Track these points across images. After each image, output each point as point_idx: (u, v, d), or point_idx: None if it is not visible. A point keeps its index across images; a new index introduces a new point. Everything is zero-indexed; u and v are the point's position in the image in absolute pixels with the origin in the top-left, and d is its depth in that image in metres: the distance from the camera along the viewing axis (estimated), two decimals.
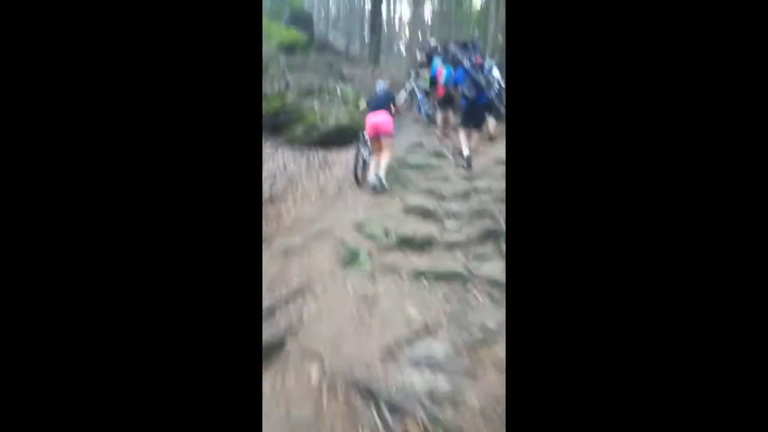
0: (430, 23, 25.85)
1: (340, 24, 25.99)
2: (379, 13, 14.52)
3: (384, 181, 4.55)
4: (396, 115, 5.27)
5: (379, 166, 4.67)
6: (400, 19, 28.45)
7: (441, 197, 4.19)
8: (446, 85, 6.29)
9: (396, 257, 3.12)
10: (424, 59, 8.16)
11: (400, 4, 26.18)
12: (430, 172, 5.13)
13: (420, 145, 6.15)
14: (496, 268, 2.85)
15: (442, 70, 6.70)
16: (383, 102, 5.05)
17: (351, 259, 3.10)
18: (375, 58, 13.46)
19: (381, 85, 5.44)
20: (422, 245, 3.25)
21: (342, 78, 9.40)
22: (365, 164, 5.06)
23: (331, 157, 6.23)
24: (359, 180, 4.97)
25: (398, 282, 2.80)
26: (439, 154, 5.71)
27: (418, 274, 2.85)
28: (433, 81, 7.11)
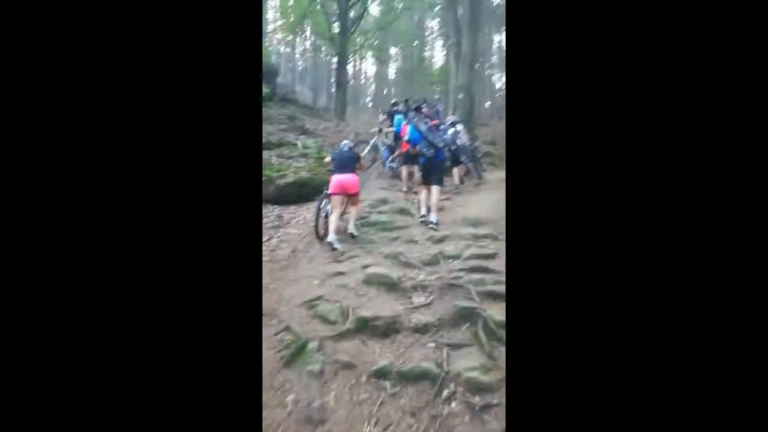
0: (393, 79, 26.73)
1: (306, 78, 26.39)
2: (345, 69, 14.65)
3: (355, 231, 4.53)
4: (360, 171, 5.20)
5: (348, 221, 4.64)
6: (365, 74, 29.30)
7: (407, 264, 3.68)
8: (409, 141, 6.20)
9: (353, 348, 2.54)
10: (386, 117, 8.19)
11: (365, 61, 27.05)
12: (395, 232, 4.67)
13: (384, 201, 5.71)
14: (474, 361, 2.32)
15: (406, 127, 6.59)
16: (348, 161, 4.87)
17: (296, 352, 2.49)
18: (341, 112, 13.38)
19: (346, 144, 5.22)
20: (385, 331, 2.69)
21: (304, 131, 9.04)
22: (326, 217, 4.76)
23: (287, 215, 5.68)
24: (320, 235, 4.62)
25: (354, 388, 2.21)
26: (404, 212, 5.27)
27: (379, 375, 2.27)
28: (398, 137, 7.05)
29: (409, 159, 6.55)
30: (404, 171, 6.67)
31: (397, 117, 7.68)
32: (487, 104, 9.63)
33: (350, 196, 4.72)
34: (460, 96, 9.52)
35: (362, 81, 29.13)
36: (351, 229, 4.61)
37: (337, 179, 4.72)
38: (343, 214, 4.66)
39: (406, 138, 6.58)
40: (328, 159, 5.36)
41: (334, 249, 4.25)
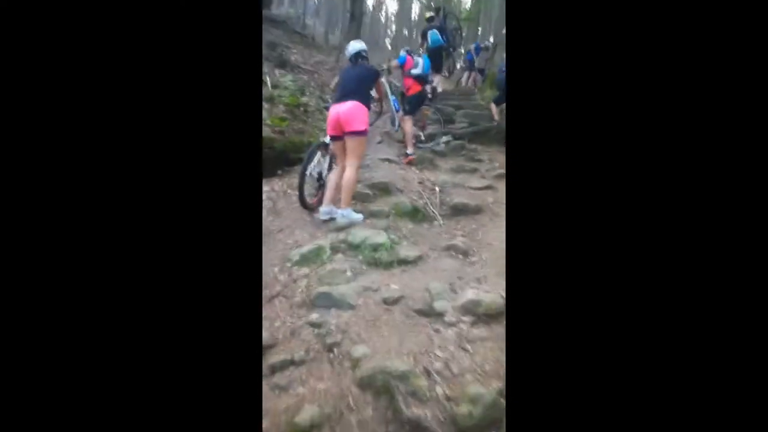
0: (416, 19, 23.70)
1: (321, 12, 23.44)
2: (361, 1, 12.32)
3: (354, 216, 3.05)
4: (377, 100, 3.95)
5: (339, 196, 3.08)
6: (386, 11, 26.06)
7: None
8: (419, 77, 5.04)
9: None
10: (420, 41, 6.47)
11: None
12: (398, 269, 3.05)
13: (383, 189, 4.01)
14: None
15: (414, 59, 5.14)
16: (356, 80, 3.17)
17: None
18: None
19: (356, 49, 3.38)
20: None
21: (283, 64, 6.65)
22: (321, 179, 3.32)
23: None
24: (308, 204, 3.22)
25: None
26: (417, 216, 3.60)
27: None
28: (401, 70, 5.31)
29: (416, 106, 5.06)
30: (407, 124, 4.95)
31: (432, 34, 5.99)
32: None
33: (350, 139, 3.02)
34: (504, 31, 7.58)
35: (383, 20, 25.98)
36: (341, 213, 3.02)
37: (333, 111, 3.09)
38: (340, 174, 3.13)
39: (416, 71, 5.00)
40: (335, 81, 3.74)
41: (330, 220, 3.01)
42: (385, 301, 2.12)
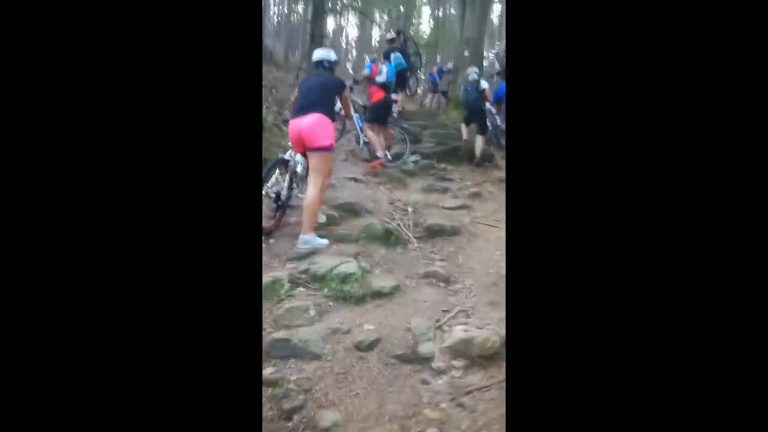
0: (377, 46, 24.03)
1: (281, 34, 23.24)
2: (323, 22, 12.19)
3: (318, 242, 2.63)
4: (344, 117, 3.78)
5: (305, 222, 2.63)
6: (347, 36, 26.29)
7: None
8: (383, 85, 4.84)
9: None
10: (377, 63, 6.17)
11: (347, 24, 24.12)
12: (371, 304, 2.65)
13: (350, 210, 3.62)
14: None
15: (377, 67, 4.96)
16: (319, 90, 2.79)
17: None
18: (311, 68, 10.98)
19: (319, 54, 3.04)
20: None
21: None
22: (279, 200, 2.87)
23: None
24: (263, 229, 2.72)
25: None
26: (389, 239, 3.23)
27: None
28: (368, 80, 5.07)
29: (381, 113, 4.85)
30: (369, 133, 4.79)
31: (394, 56, 5.81)
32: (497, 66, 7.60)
33: (314, 156, 2.66)
34: (466, 53, 7.51)
35: (343, 44, 26.15)
36: (307, 240, 2.60)
37: (294, 126, 2.71)
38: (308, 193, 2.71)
39: (380, 79, 4.80)
40: (295, 95, 3.31)
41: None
42: (359, 347, 1.71)
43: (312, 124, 2.64)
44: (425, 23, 22.48)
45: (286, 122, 4.58)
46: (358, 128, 5.19)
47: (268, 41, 17.19)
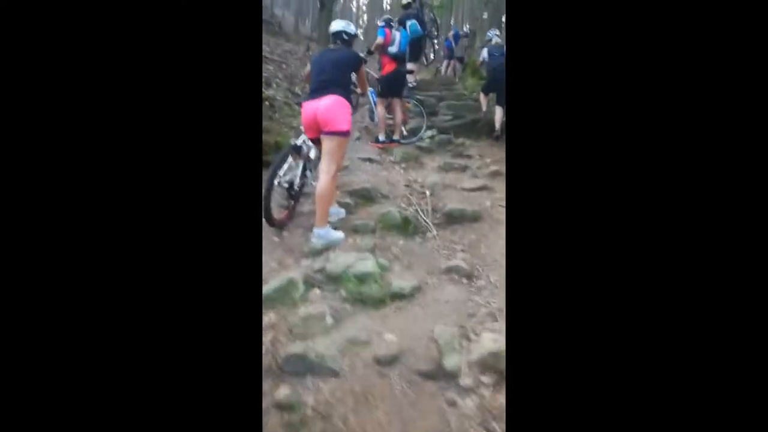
0: (389, 9, 22.92)
1: (291, 1, 22.35)
2: None
3: (333, 236, 2.46)
4: (360, 93, 3.35)
5: (319, 214, 2.45)
6: (358, 1, 25.20)
7: None
8: (395, 55, 4.47)
9: None
10: (393, 27, 5.83)
11: None
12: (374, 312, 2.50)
13: (364, 195, 3.44)
14: None
15: (392, 33, 4.57)
16: (335, 67, 2.58)
17: None
18: (323, 39, 10.57)
19: (338, 25, 2.82)
20: None
21: None
22: (293, 189, 2.69)
23: None
24: (275, 221, 2.54)
25: None
26: (408, 229, 3.05)
27: None
28: (380, 48, 4.63)
29: (394, 85, 4.52)
30: (380, 108, 4.54)
31: (410, 23, 5.39)
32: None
33: (328, 139, 2.46)
34: (485, 16, 7.07)
35: (354, 9, 25.09)
36: (320, 234, 2.44)
37: (309, 108, 2.50)
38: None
39: (392, 50, 4.49)
40: (306, 70, 3.16)
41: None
42: (379, 361, 1.58)
43: (330, 106, 2.43)
44: None
45: (296, 100, 4.33)
46: (372, 103, 4.93)
47: (277, 11, 16.57)
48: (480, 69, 6.41)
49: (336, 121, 2.42)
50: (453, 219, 3.02)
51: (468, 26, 9.31)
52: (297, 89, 5.36)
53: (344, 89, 2.52)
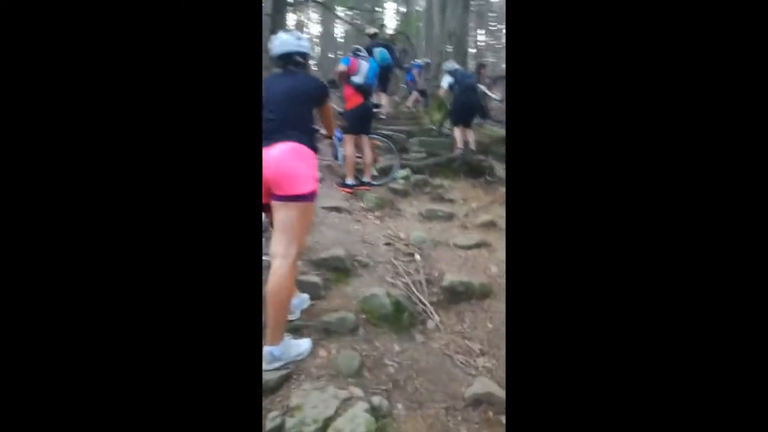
0: (342, 41, 22.71)
1: None
2: (283, 15, 10.94)
3: (295, 350, 1.58)
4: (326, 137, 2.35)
5: (271, 325, 1.54)
6: (309, 33, 24.83)
7: None
8: (361, 87, 3.72)
9: None
10: (359, 56, 5.21)
11: (309, 21, 22.67)
12: None
13: (336, 263, 2.57)
14: None
15: (358, 62, 3.79)
16: (293, 104, 1.71)
17: None
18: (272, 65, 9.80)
19: (286, 43, 1.83)
20: None
21: None
22: None
23: None
24: None
25: None
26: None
27: None
28: (344, 78, 3.86)
29: (360, 121, 3.79)
30: (347, 147, 3.76)
31: (379, 50, 4.88)
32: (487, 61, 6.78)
33: (277, 209, 1.57)
34: (449, 48, 6.58)
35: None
36: (275, 352, 1.52)
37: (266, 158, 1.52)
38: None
39: (357, 80, 3.72)
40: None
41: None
42: None
43: (284, 159, 1.54)
44: (389, 18, 21.39)
45: None
46: (336, 139, 4.11)
47: None
48: (444, 100, 5.90)
49: (295, 179, 1.54)
50: (456, 296, 2.23)
51: (425, 58, 8.91)
52: None
53: (304, 132, 1.65)
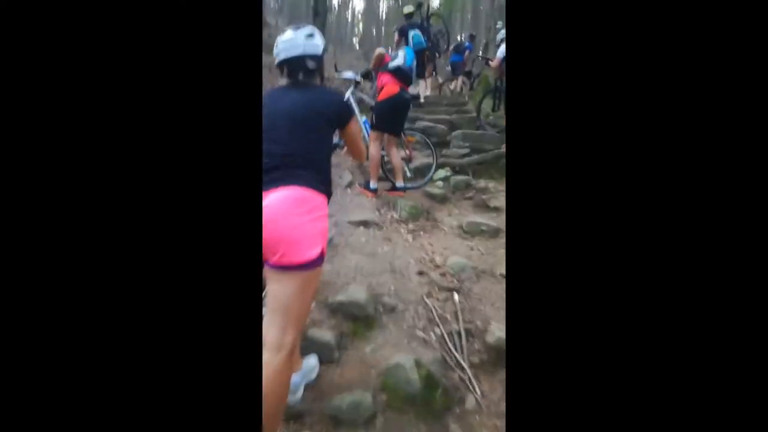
0: (384, 18, 21.76)
1: (283, 9, 21.12)
2: None
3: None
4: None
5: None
6: (353, 9, 24.08)
7: None
8: (397, 71, 3.21)
9: None
10: (397, 37, 5.16)
11: None
12: None
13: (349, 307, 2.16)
14: None
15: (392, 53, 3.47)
16: (304, 135, 1.27)
17: None
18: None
19: (291, 46, 1.39)
20: None
21: None
22: None
23: None
24: None
25: None
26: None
27: None
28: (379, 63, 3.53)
29: (393, 115, 3.24)
30: (373, 145, 3.24)
31: (413, 33, 4.74)
32: None
33: (273, 278, 1.13)
34: (499, 25, 5.94)
35: (349, 18, 23.90)
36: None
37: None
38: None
39: (397, 62, 3.24)
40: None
41: None
42: None
43: (279, 211, 1.11)
44: None
45: None
46: (365, 134, 3.64)
47: (270, 18, 15.32)
48: (492, 81, 5.23)
49: (295, 243, 1.09)
50: (504, 356, 1.75)
51: (464, 35, 8.11)
52: None
53: (316, 169, 1.21)
